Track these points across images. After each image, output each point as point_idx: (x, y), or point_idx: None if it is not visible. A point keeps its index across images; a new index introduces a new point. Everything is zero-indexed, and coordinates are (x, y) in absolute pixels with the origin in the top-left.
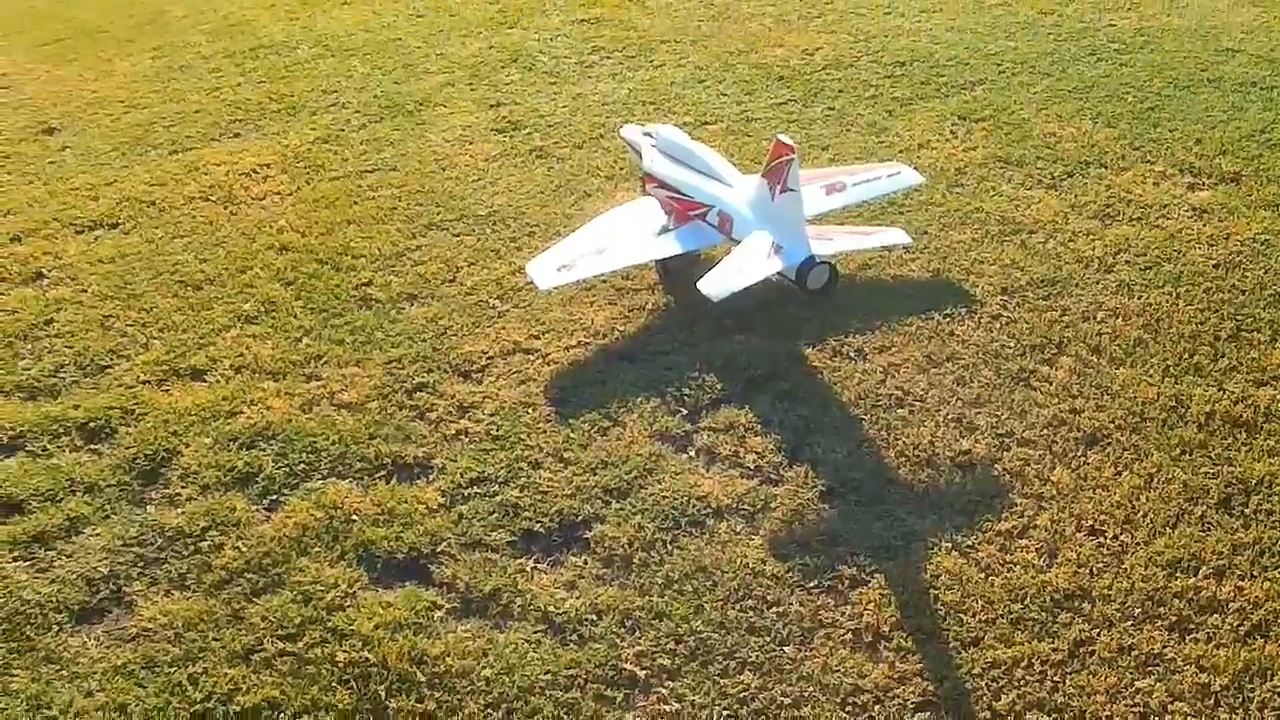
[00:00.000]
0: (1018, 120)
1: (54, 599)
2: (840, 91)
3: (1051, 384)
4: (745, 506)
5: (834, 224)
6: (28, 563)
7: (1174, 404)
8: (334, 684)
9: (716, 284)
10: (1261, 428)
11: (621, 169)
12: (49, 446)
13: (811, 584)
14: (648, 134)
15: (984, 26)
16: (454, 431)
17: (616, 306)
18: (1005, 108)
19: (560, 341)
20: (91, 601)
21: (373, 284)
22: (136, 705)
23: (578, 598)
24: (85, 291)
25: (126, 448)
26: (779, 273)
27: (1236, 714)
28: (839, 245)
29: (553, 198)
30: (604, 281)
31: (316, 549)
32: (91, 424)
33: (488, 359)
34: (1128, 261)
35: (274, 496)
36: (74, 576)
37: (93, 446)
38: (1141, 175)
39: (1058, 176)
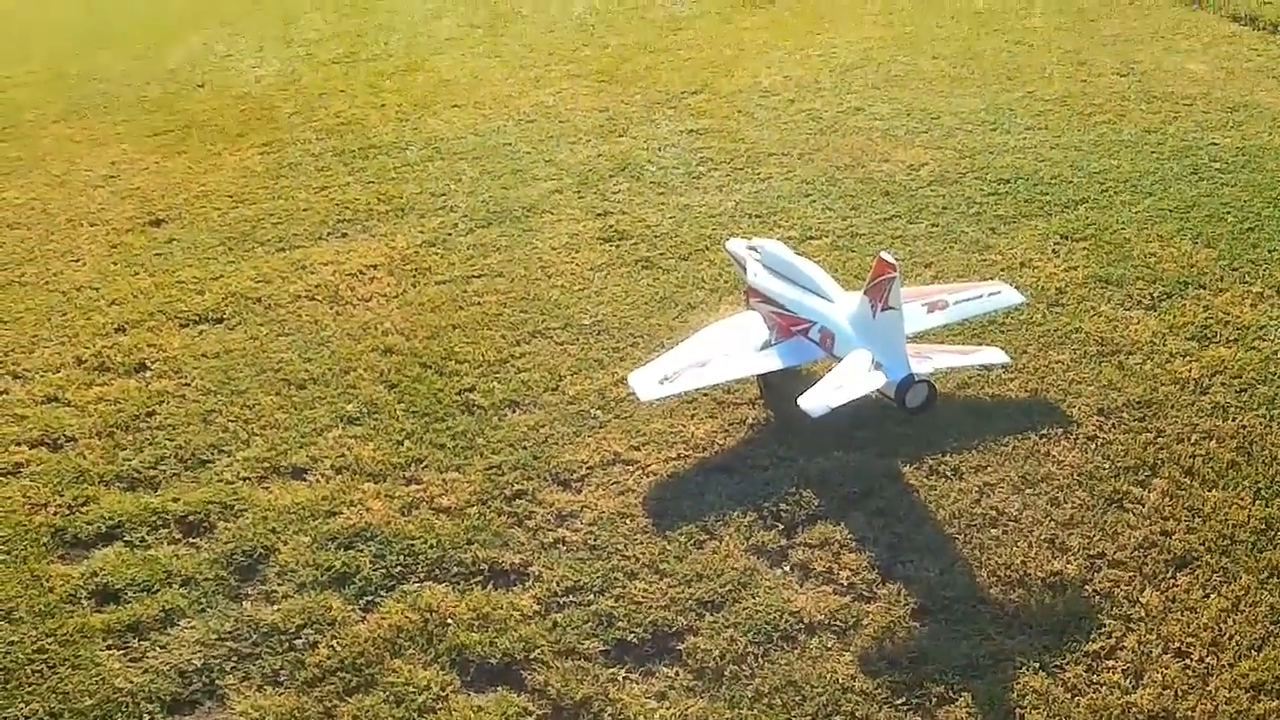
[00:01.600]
0: (1119, 240)
1: (146, 689)
2: (944, 208)
3: (1144, 505)
4: (837, 622)
5: (934, 342)
6: (121, 651)
7: (1264, 527)
8: None
9: (816, 400)
10: None
11: (726, 282)
12: (147, 538)
13: (899, 701)
14: (752, 248)
15: (1088, 144)
16: (551, 540)
17: (717, 420)
18: (1107, 227)
19: (660, 453)
20: (184, 693)
21: (475, 390)
22: None
23: (668, 709)
24: (188, 385)
25: (225, 543)
26: (878, 390)
27: None
28: (938, 363)
29: (657, 309)
30: (705, 395)
31: (410, 651)
32: (190, 518)
33: (587, 469)
34: (1223, 383)
35: (370, 597)
36: (167, 668)
37: (191, 540)
38: (1239, 296)
39: (1157, 297)
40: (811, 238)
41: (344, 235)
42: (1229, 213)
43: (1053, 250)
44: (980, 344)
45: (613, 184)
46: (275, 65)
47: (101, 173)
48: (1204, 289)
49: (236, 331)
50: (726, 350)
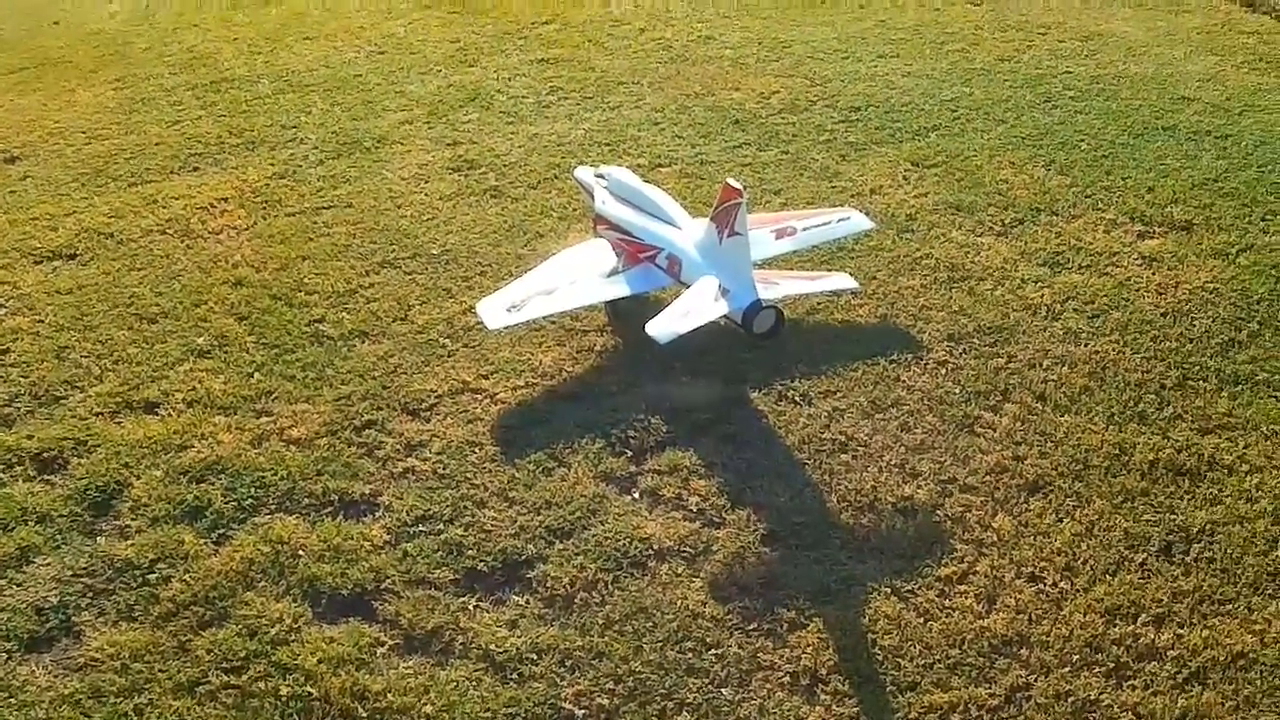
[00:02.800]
0: (970, 167)
1: (3, 628)
2: (794, 136)
3: (996, 431)
4: (687, 549)
5: (782, 268)
6: None
7: (1118, 452)
8: (277, 718)
9: (664, 327)
10: (1205, 476)
11: (574, 211)
12: (2, 476)
13: (750, 626)
14: (600, 175)
15: (940, 72)
16: (401, 469)
17: (565, 348)
18: (958, 154)
19: (508, 382)
20: (40, 631)
21: (325, 320)
22: None
23: (519, 636)
24: (41, 322)
25: (78, 479)
26: (725, 316)
27: None
28: (785, 289)
29: (505, 238)
30: (553, 322)
31: (262, 583)
32: (44, 454)
33: (436, 398)
34: (1076, 309)
35: (222, 530)
36: (24, 605)
37: (45, 477)
38: (1092, 223)
39: (1008, 223)
40: (661, 165)
41: (195, 169)
42: (1082, 140)
43: (903, 177)
44: (829, 270)
45: (462, 114)
46: (129, 1)
47: None
48: (1056, 215)
49: (89, 267)
50: (574, 278)
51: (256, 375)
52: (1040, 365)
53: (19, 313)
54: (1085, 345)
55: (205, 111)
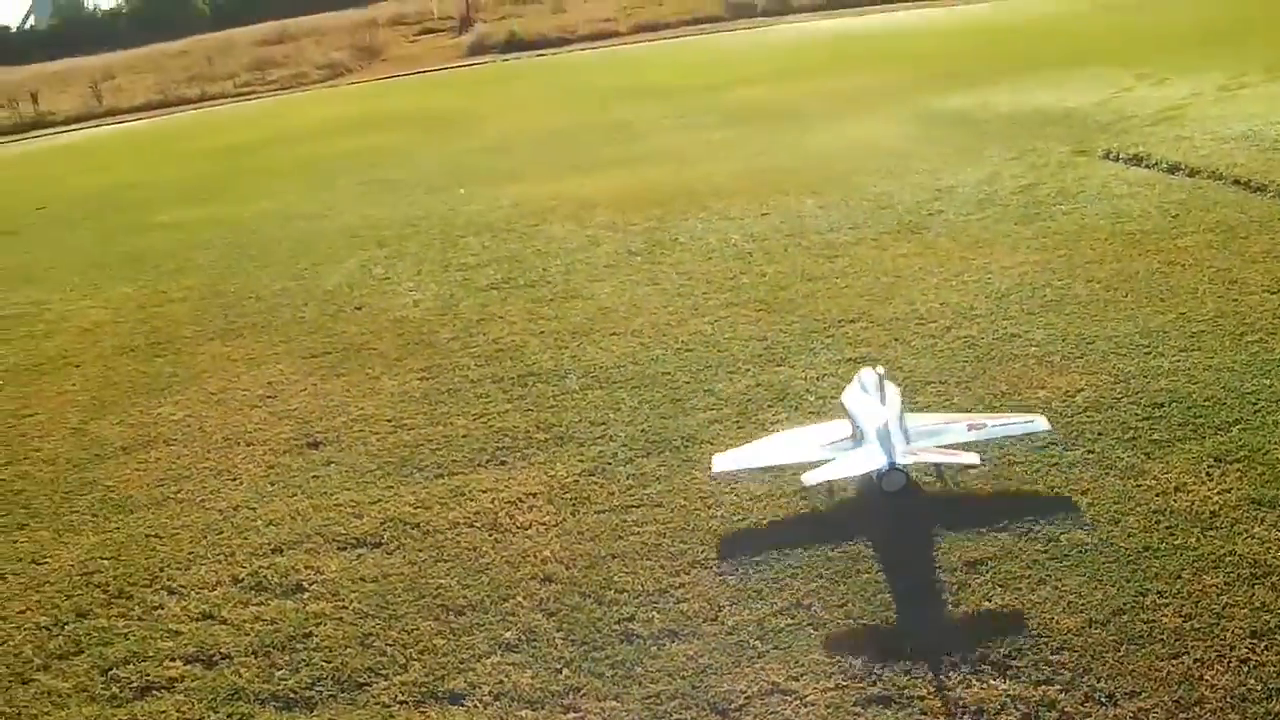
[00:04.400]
0: (1271, 460)
1: None
2: (1100, 434)
3: None
4: None
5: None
6: None
7: None
8: None
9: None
10: None
11: (885, 515)
12: None
13: None
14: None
15: (1240, 365)
16: None
17: (875, 648)
18: (1260, 448)
19: (818, 684)
20: None
21: (635, 619)
22: None
23: None
24: (345, 608)
25: None
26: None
27: None
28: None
29: (816, 541)
30: (864, 625)
31: None
32: None
33: (745, 699)
34: None
35: None
36: None
37: None
38: None
39: None
40: (969, 467)
41: (503, 463)
42: None
43: (1206, 473)
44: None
45: (771, 414)
46: (433, 289)
47: (258, 392)
48: None
49: (394, 556)
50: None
51: (565, 671)
52: None
53: (322, 598)
54: None
55: (512, 405)
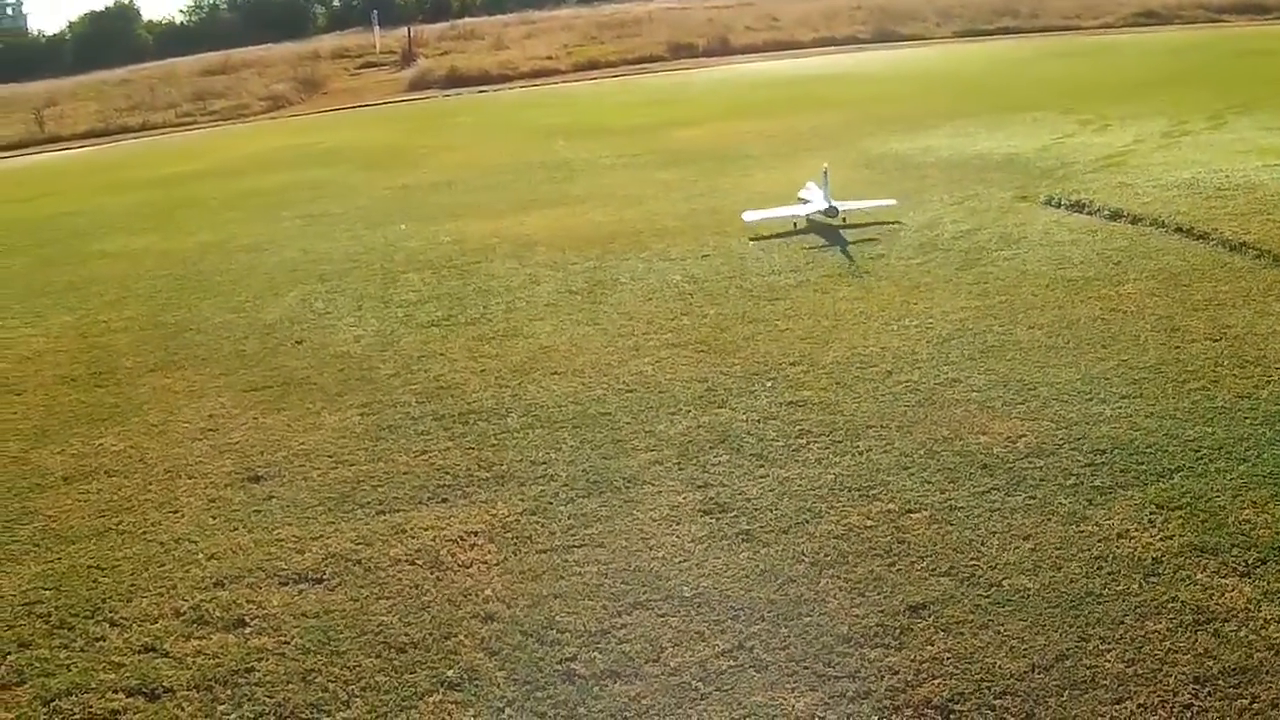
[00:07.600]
0: (1213, 508)
1: None
2: (1041, 480)
3: None
4: None
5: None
6: None
7: None
8: None
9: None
10: None
11: (826, 557)
12: None
13: None
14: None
15: (1182, 411)
16: None
17: (818, 692)
18: (1202, 495)
19: None
20: None
21: (576, 659)
22: None
23: None
24: (287, 644)
25: None
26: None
27: None
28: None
29: (757, 582)
30: (806, 669)
31: None
32: None
33: None
34: None
35: None
36: None
37: None
38: None
39: (1251, 563)
40: (910, 511)
41: (444, 500)
42: None
43: (1149, 520)
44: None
45: (712, 456)
46: (374, 325)
47: (200, 425)
48: None
49: (336, 593)
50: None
51: (507, 710)
52: None
53: (264, 633)
54: None
55: (453, 443)
